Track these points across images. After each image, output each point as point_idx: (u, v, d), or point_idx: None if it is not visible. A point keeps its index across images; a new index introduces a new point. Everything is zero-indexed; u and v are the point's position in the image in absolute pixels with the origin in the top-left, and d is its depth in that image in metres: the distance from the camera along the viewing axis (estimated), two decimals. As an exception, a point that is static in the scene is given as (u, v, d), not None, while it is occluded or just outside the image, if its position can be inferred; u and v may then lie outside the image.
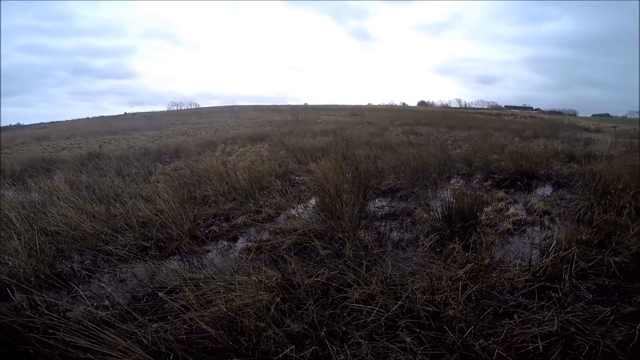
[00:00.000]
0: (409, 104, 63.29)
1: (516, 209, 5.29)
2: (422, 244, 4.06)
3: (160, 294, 2.42)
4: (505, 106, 61.26)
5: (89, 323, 1.96)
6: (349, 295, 2.76)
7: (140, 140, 17.15)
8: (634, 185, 4.80)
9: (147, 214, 4.15)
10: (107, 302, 2.34)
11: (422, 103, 67.91)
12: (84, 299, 2.31)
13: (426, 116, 29.82)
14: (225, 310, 2.34)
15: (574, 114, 54.79)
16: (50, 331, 1.92)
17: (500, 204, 5.38)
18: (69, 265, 3.00)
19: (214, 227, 4.26)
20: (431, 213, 4.86)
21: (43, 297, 2.30)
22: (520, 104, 62.18)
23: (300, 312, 2.52)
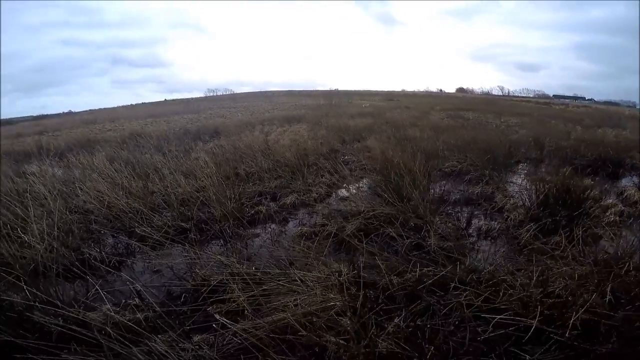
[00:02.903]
0: (446, 91, 58.98)
1: (612, 199, 4.28)
2: (519, 235, 3.22)
3: (203, 295, 1.81)
4: (553, 95, 54.94)
5: (111, 330, 1.38)
6: (449, 301, 2.03)
7: (180, 122, 17.25)
8: None
9: (188, 190, 3.64)
10: (136, 300, 1.79)
11: (460, 90, 63.09)
12: (109, 297, 1.77)
13: (466, 103, 27.37)
14: (289, 318, 1.68)
15: (633, 106, 48.02)
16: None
17: (590, 193, 4.33)
18: (98, 251, 2.52)
19: (260, 207, 3.66)
20: (521, 199, 3.93)
21: (58, 292, 1.80)
22: (570, 93, 55.30)
23: (389, 323, 1.82)
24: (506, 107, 23.50)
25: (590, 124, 13.03)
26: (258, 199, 3.97)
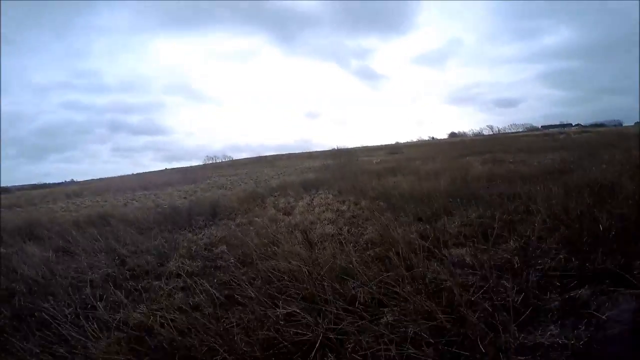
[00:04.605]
0: (438, 137, 58.98)
1: None
2: None
3: None
4: (541, 126, 55.04)
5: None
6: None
7: (172, 196, 14.69)
8: None
9: None
10: None
11: (452, 134, 63.54)
12: None
13: (473, 146, 25.73)
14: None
15: (619, 124, 47.83)
16: None
17: None
18: None
19: None
20: None
21: None
22: (553, 122, 55.48)
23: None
24: (519, 144, 21.72)
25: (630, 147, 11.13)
26: None
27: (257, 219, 6.06)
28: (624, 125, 47.57)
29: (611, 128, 41.57)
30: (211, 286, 3.05)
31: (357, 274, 2.65)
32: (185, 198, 13.18)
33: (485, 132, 61.73)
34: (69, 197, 20.26)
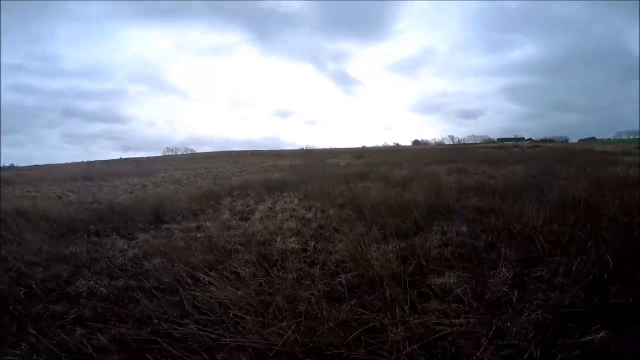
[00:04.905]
0: (402, 144, 61.06)
1: None
2: None
3: None
4: (497, 139, 59.12)
5: None
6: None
7: (118, 190, 13.05)
8: None
9: None
10: None
11: (416, 142, 66.36)
12: None
13: (436, 154, 26.66)
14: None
15: (566, 141, 52.96)
16: None
17: None
18: None
19: None
20: None
21: None
22: (508, 135, 59.95)
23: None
24: (478, 156, 22.77)
25: (582, 163, 12.64)
26: None
27: (208, 224, 5.19)
28: (569, 141, 52.37)
29: (559, 144, 45.34)
30: (122, 323, 2.22)
31: (323, 317, 1.99)
32: (131, 193, 11.71)
33: (447, 142, 64.77)
34: (-1, 185, 17.31)
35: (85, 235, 5.06)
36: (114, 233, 5.08)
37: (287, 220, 5.18)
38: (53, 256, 3.90)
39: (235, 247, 3.81)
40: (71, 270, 3.53)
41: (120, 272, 3.32)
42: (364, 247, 3.23)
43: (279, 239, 4.06)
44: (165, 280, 3.00)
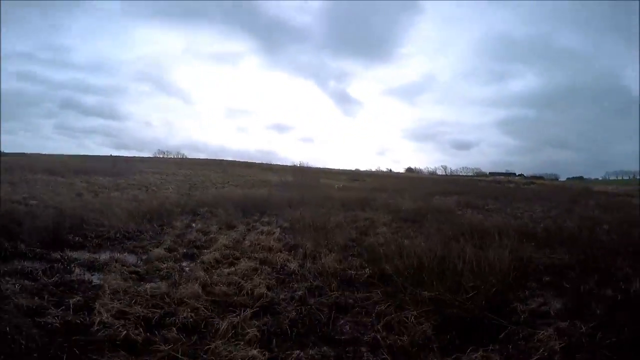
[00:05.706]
0: (395, 170, 59.82)
1: None
2: None
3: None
4: (489, 173, 57.98)
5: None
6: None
7: (67, 190, 10.78)
8: None
9: None
10: None
11: (409, 170, 65.34)
12: None
13: (435, 184, 25.12)
14: None
15: (556, 178, 51.88)
16: None
17: None
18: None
19: None
20: None
21: None
22: (497, 169, 58.68)
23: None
24: (478, 188, 21.31)
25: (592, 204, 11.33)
26: None
27: (120, 266, 3.14)
28: (559, 179, 51.28)
29: (549, 181, 44.09)
30: None
31: None
32: (79, 195, 9.51)
33: (439, 172, 63.63)
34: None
35: None
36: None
37: (255, 272, 3.16)
38: None
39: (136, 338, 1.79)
40: None
41: None
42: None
43: (224, 325, 2.05)
44: None
